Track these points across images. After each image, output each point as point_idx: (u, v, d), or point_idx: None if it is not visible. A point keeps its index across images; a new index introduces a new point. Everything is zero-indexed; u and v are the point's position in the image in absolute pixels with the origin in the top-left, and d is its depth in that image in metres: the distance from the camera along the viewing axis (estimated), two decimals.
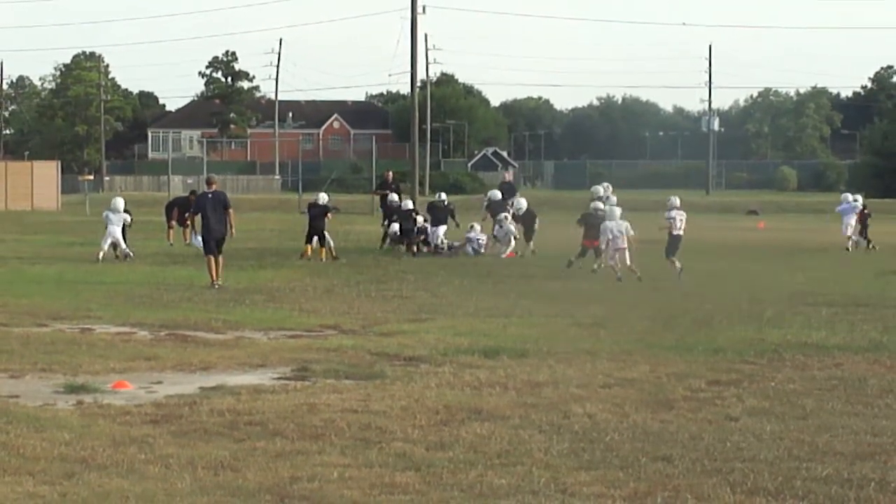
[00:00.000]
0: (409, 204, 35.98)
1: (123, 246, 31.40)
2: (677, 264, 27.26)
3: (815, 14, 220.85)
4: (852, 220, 37.87)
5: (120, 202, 32.33)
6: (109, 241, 31.36)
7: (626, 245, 27.01)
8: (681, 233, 28.23)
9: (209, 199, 25.58)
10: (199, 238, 27.11)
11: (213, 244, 25.10)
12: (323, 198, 33.59)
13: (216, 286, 24.38)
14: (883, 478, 9.53)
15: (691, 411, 12.06)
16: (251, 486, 9.18)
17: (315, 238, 32.37)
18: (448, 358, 15.23)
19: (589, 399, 12.61)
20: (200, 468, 9.68)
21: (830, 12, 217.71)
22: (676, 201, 29.08)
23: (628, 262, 26.77)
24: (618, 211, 28.15)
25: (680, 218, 28.45)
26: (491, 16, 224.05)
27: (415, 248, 33.71)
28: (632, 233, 27.22)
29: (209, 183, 26.47)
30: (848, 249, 36.72)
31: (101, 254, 30.83)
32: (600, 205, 29.79)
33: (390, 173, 39.26)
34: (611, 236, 27.11)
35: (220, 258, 25.17)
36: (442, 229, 34.66)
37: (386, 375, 14.01)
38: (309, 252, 32.19)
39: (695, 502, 8.89)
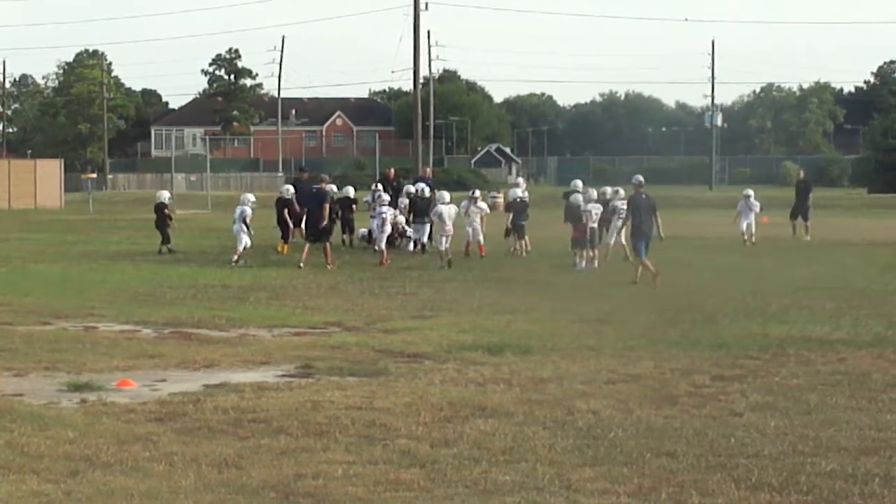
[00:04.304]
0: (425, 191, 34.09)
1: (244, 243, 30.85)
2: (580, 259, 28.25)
3: (817, 9, 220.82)
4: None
5: (250, 196, 32.35)
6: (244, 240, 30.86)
7: (451, 231, 28.77)
8: (594, 225, 28.69)
9: (313, 195, 29.63)
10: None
11: (310, 234, 29.10)
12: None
13: (301, 266, 27.76)
14: (887, 473, 9.52)
15: (695, 407, 12.06)
16: (255, 484, 9.19)
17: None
18: (452, 355, 15.24)
19: (593, 395, 12.61)
20: (205, 466, 9.68)
21: (833, 7, 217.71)
22: (593, 193, 29.76)
23: (445, 246, 28.40)
24: (447, 195, 29.83)
25: (595, 212, 28.87)
26: (493, 12, 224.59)
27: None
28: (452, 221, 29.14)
29: (321, 181, 31.29)
30: None
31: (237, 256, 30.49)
32: (580, 198, 30.02)
33: (392, 170, 38.81)
34: (436, 219, 28.64)
35: (327, 246, 28.72)
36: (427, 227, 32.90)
37: (390, 372, 14.01)
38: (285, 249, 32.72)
39: (699, 498, 8.89)
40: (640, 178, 26.67)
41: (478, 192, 32.84)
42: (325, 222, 28.84)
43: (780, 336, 16.95)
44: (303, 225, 30.40)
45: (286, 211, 33.11)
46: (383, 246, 29.98)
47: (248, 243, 30.54)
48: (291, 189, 34.84)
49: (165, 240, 33.07)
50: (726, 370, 14.19)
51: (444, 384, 13.25)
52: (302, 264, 27.92)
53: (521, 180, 37.77)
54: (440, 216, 29.23)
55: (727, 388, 13.09)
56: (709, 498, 8.91)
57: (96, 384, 13.09)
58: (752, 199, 36.77)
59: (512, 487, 9.11)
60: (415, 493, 9.00)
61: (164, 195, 34.83)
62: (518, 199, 32.56)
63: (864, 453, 10.15)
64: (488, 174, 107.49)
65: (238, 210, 30.86)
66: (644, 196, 25.25)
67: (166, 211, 33.62)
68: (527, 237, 32.14)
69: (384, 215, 30.79)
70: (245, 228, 30.44)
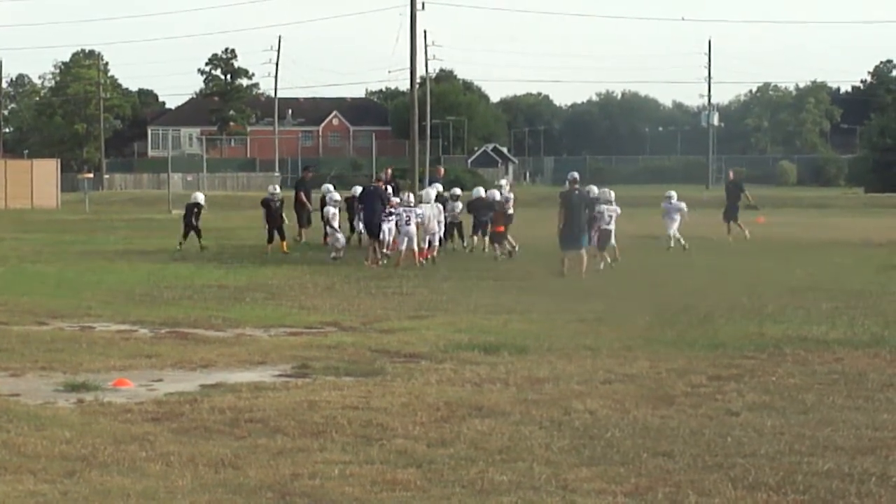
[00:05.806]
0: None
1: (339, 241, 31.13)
2: (607, 259, 28.50)
3: (814, 8, 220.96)
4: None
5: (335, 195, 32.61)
6: (339, 237, 31.14)
7: (436, 229, 29.60)
8: (610, 227, 28.90)
9: (371, 193, 30.28)
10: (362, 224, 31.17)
11: (374, 229, 29.51)
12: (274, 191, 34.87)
13: (382, 264, 28.80)
14: (884, 472, 9.53)
15: (692, 407, 12.06)
16: (252, 484, 9.18)
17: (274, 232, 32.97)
18: (448, 354, 15.23)
19: (589, 395, 12.60)
20: (201, 466, 9.68)
21: (830, 6, 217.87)
22: (610, 194, 29.86)
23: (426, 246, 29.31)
24: (433, 195, 30.60)
25: (609, 213, 29.00)
26: (490, 12, 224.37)
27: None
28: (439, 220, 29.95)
29: (378, 180, 32.53)
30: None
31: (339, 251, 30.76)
32: (496, 193, 31.54)
33: (389, 170, 39.00)
34: (422, 220, 29.18)
35: (377, 244, 29.34)
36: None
37: (386, 372, 14.00)
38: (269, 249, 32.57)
39: (696, 498, 8.89)
40: (576, 174, 28.25)
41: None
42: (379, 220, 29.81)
43: (776, 336, 16.94)
44: (359, 222, 31.12)
45: (268, 211, 33.07)
46: (420, 244, 29.47)
47: (342, 241, 31.13)
48: (277, 188, 35.25)
49: (197, 235, 33.54)
50: (723, 370, 14.19)
51: (440, 384, 13.25)
52: (368, 261, 28.80)
53: (503, 181, 37.68)
54: (424, 217, 29.21)
55: (724, 387, 13.09)
56: (706, 498, 8.91)
57: (93, 384, 13.08)
58: (674, 201, 34.32)
59: (508, 487, 9.11)
60: (411, 492, 9.00)
61: (200, 197, 35.09)
62: (477, 198, 32.68)
63: (860, 453, 10.15)
64: (485, 174, 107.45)
65: (326, 211, 31.67)
66: (577, 192, 27.16)
67: (195, 211, 34.03)
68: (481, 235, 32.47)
69: (409, 215, 30.07)
70: (335, 227, 31.13)
